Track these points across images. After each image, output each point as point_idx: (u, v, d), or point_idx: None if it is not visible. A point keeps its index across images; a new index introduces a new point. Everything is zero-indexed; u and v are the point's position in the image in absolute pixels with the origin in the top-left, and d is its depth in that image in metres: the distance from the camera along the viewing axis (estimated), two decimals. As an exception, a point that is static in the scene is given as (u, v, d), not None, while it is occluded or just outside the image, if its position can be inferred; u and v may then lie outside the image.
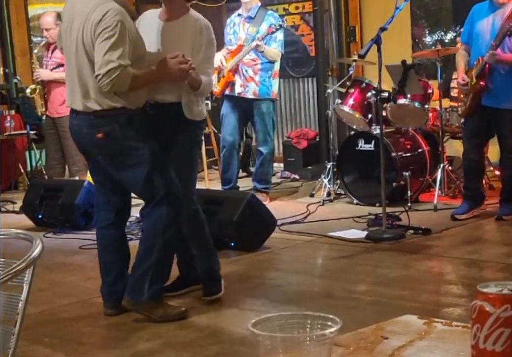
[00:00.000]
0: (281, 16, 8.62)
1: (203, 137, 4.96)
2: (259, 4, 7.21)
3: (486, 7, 5.88)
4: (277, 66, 7.14)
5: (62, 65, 7.64)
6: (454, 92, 6.64)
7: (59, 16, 7.76)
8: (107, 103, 3.85)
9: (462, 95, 6.04)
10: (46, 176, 8.16)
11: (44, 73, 7.56)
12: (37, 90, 7.64)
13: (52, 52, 7.67)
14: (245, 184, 7.79)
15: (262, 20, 7.05)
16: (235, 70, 7.03)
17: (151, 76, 3.93)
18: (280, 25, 6.95)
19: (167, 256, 4.07)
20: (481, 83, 5.77)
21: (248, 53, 6.93)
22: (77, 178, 7.56)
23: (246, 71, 6.96)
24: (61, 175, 7.85)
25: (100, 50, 3.73)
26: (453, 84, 6.43)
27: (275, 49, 7.02)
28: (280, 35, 7.07)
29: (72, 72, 3.95)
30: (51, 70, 7.62)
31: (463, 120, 6.29)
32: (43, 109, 7.70)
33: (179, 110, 4.08)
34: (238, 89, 7.03)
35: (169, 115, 4.14)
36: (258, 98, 7.02)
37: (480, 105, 5.84)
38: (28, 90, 7.82)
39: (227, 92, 7.11)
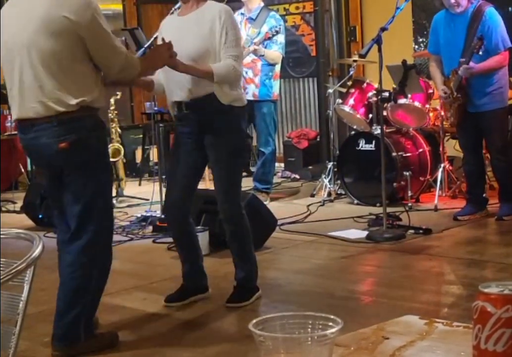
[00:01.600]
0: (282, 16, 8.64)
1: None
2: (262, 4, 7.19)
3: (445, 16, 5.89)
4: (278, 68, 7.14)
5: None
6: (438, 103, 6.69)
7: None
8: (70, 102, 3.46)
9: (447, 106, 6.04)
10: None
11: None
12: None
13: None
14: (246, 183, 7.76)
15: (263, 21, 7.03)
16: None
17: (145, 62, 3.77)
18: (277, 31, 6.92)
19: (101, 285, 3.72)
20: (462, 94, 5.79)
21: (247, 55, 6.92)
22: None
23: (246, 72, 6.95)
24: None
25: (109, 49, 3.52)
26: (436, 95, 6.49)
27: (275, 51, 7.01)
28: (281, 38, 7.06)
29: (17, 78, 3.53)
30: None
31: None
32: None
33: (213, 99, 3.97)
34: None
35: (205, 109, 4.02)
36: (258, 100, 7.02)
37: (466, 113, 5.86)
38: None
39: None
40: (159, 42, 4.00)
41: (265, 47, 6.96)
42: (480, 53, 5.59)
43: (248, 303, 4.20)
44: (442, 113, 6.36)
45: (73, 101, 3.45)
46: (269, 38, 6.89)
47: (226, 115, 4.04)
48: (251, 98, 6.97)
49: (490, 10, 5.73)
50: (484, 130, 5.89)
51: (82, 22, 3.41)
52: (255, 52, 6.91)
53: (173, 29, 4.12)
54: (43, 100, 3.47)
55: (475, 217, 6.07)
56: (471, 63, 5.64)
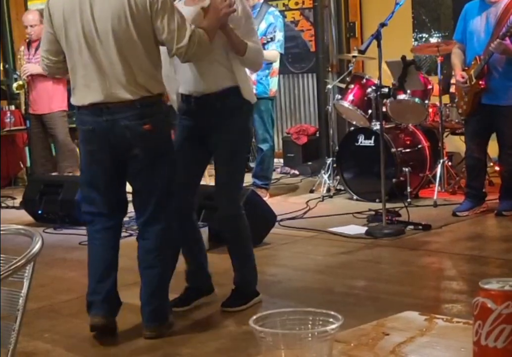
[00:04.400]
0: (281, 11, 8.62)
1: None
2: (261, 0, 7.14)
3: (478, 5, 5.88)
4: (276, 64, 7.10)
5: None
6: (453, 89, 6.64)
7: (41, 14, 7.79)
8: (157, 88, 3.60)
9: (462, 94, 6.02)
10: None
11: (32, 67, 7.53)
12: (25, 86, 7.60)
13: (36, 49, 7.65)
14: (245, 179, 7.78)
15: (262, 18, 6.98)
16: None
17: (209, 26, 3.72)
18: (271, 38, 6.82)
19: (172, 266, 3.94)
20: (481, 83, 5.77)
21: None
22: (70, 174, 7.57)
23: None
24: (51, 172, 7.86)
25: (167, 24, 3.53)
26: (453, 80, 6.43)
27: (273, 50, 6.92)
28: (279, 35, 6.99)
29: (93, 63, 3.57)
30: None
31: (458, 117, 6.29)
32: (24, 107, 7.65)
33: (225, 96, 3.89)
34: None
35: (216, 106, 3.91)
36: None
37: (480, 104, 5.83)
38: (14, 85, 7.78)
39: None
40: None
41: (264, 47, 6.89)
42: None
43: (244, 307, 4.07)
44: (456, 99, 6.22)
45: (158, 87, 3.60)
46: (264, 44, 6.66)
47: (236, 114, 3.94)
48: None
49: None
50: (498, 124, 5.84)
51: (153, 3, 3.48)
52: None
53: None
54: (130, 83, 3.54)
55: (474, 212, 6.06)
56: (507, 40, 5.59)
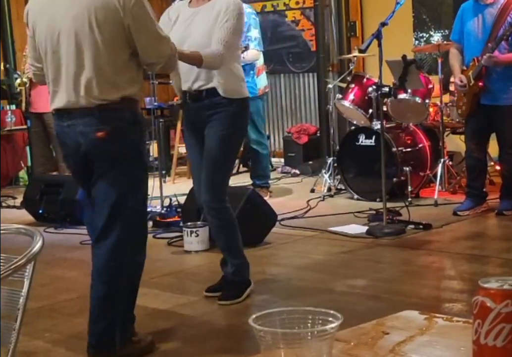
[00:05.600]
0: (282, 11, 8.61)
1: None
2: None
3: (472, 6, 5.88)
4: (259, 63, 7.01)
5: None
6: (452, 87, 6.64)
7: None
8: (114, 94, 3.35)
9: (461, 94, 6.01)
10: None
11: None
12: (27, 84, 7.60)
13: None
14: (245, 179, 7.79)
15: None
16: None
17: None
18: (246, 47, 6.54)
19: (135, 287, 3.53)
20: (480, 84, 5.78)
21: None
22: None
23: None
24: (52, 171, 7.86)
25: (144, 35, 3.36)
26: (452, 78, 6.44)
27: (252, 50, 6.79)
28: (255, 33, 6.85)
29: (57, 68, 3.43)
30: None
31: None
32: (25, 105, 7.65)
33: (214, 92, 4.00)
34: None
35: (204, 101, 4.04)
36: None
37: (479, 105, 5.84)
38: (17, 81, 7.77)
39: None
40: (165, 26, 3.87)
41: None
42: (510, 40, 5.54)
43: (240, 300, 4.14)
44: (455, 101, 6.22)
45: (117, 94, 3.34)
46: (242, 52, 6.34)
47: (222, 110, 4.04)
48: None
49: None
50: (497, 124, 5.84)
51: (127, 7, 3.25)
52: None
53: (183, 19, 4.11)
54: (86, 91, 3.33)
55: (475, 211, 6.06)
56: (496, 52, 5.61)
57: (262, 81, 7.06)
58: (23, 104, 7.68)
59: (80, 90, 3.35)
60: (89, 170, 3.41)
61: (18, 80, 7.74)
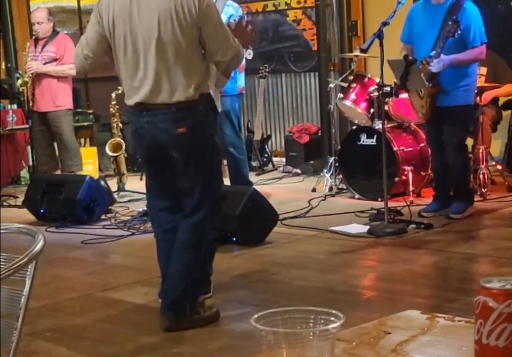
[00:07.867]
0: (283, 10, 8.61)
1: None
2: None
3: (422, 6, 5.86)
4: (243, 60, 6.84)
5: (55, 60, 7.65)
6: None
7: (50, 13, 7.84)
8: (192, 91, 3.65)
9: (420, 96, 5.94)
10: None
11: (37, 66, 7.54)
12: (28, 84, 7.61)
13: (43, 47, 7.66)
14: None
15: (221, 11, 6.66)
16: None
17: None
18: None
19: (209, 260, 4.06)
20: (433, 85, 5.72)
21: None
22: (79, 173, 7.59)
23: None
24: (55, 170, 7.87)
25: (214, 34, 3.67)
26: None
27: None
28: None
29: (136, 64, 3.66)
30: (44, 64, 7.62)
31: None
32: (30, 103, 7.65)
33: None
34: None
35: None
36: (222, 94, 6.58)
37: (435, 107, 5.78)
38: (19, 81, 7.78)
39: None
40: None
41: None
42: (456, 36, 5.47)
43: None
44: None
45: (196, 91, 3.64)
46: None
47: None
48: None
49: (469, 3, 5.67)
50: (443, 124, 5.78)
51: (202, 10, 3.55)
52: None
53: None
54: (168, 88, 3.62)
55: (469, 212, 5.99)
56: (442, 56, 5.56)
57: (242, 79, 6.75)
58: (26, 104, 7.69)
59: (163, 88, 3.63)
60: (163, 161, 3.78)
61: (20, 80, 7.75)
